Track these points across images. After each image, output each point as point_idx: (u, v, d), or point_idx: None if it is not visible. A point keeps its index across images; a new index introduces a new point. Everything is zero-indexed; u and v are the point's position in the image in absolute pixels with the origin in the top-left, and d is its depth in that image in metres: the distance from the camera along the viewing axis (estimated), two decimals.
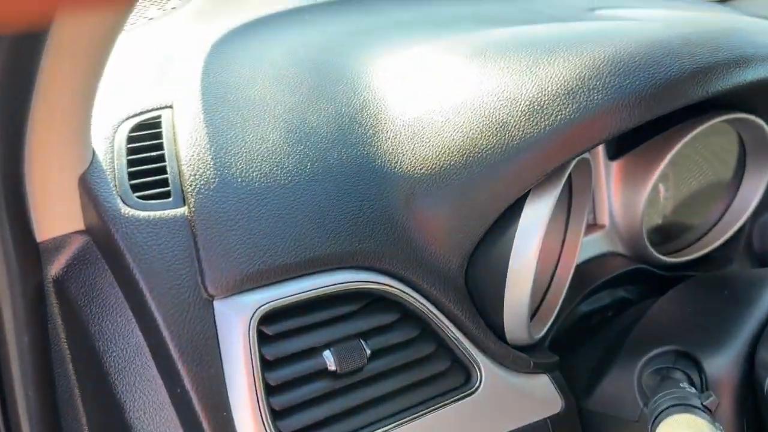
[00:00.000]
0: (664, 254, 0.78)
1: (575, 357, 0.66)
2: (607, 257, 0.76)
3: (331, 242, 0.53)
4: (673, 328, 0.63)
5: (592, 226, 0.77)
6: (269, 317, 0.50)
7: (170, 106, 0.59)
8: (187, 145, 0.55)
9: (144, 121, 0.58)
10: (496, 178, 0.55)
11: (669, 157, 0.69)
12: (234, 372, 0.48)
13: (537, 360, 0.61)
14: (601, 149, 0.74)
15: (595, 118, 0.53)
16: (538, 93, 0.55)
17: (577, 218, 0.67)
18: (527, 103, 0.55)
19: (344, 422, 0.52)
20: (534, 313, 0.65)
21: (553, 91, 0.55)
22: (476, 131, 0.56)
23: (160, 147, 0.56)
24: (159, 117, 0.58)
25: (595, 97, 0.53)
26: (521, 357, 0.59)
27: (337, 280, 0.53)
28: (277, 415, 0.49)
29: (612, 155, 0.76)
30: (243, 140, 0.56)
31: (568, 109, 0.53)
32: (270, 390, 0.49)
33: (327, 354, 0.52)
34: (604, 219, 0.77)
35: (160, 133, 0.57)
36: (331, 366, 0.51)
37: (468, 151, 0.56)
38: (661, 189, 0.80)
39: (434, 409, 0.56)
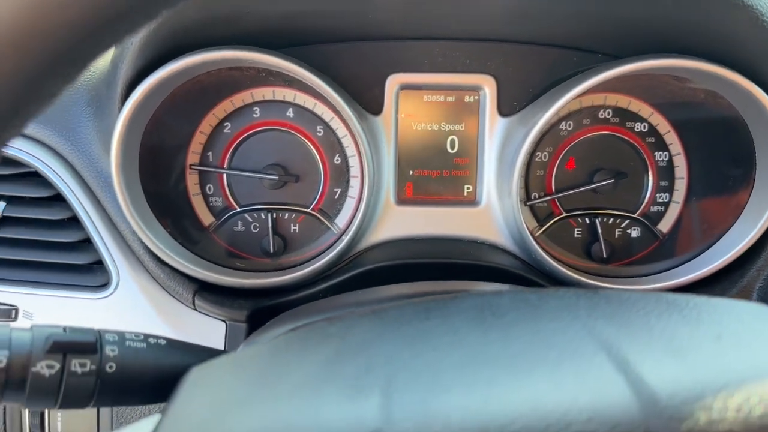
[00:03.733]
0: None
1: None
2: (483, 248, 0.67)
3: None
4: None
5: (469, 201, 0.69)
6: None
7: None
8: None
9: None
10: None
11: (551, 111, 0.60)
12: None
13: None
14: (491, 98, 0.67)
15: None
16: None
17: None
18: None
19: None
20: None
21: None
22: None
23: None
24: None
25: None
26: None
27: None
28: None
29: (506, 111, 0.68)
30: None
31: None
32: None
33: None
34: (483, 194, 0.69)
35: None
36: None
37: None
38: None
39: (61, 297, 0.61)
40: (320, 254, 0.68)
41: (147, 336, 0.44)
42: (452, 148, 0.70)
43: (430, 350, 0.28)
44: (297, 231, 0.70)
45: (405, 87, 0.68)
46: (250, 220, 0.70)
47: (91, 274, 0.63)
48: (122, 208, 0.60)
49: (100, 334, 0.42)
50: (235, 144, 0.69)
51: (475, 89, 0.68)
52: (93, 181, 0.63)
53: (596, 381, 0.25)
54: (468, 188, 0.70)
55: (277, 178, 0.68)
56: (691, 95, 0.67)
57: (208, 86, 0.66)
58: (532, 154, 0.69)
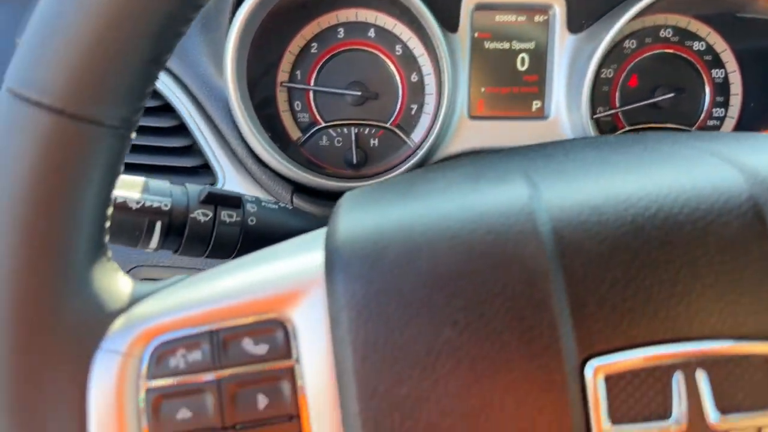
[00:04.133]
0: None
1: None
2: None
3: None
4: None
5: (537, 116, 0.74)
6: None
7: None
8: None
9: None
10: None
11: (616, 28, 0.65)
12: None
13: None
14: (560, 17, 0.71)
15: None
16: None
17: None
18: None
19: None
20: None
21: None
22: None
23: None
24: None
25: None
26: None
27: None
28: None
29: (574, 29, 0.72)
30: None
31: None
32: None
33: None
34: (551, 109, 0.74)
35: None
36: None
37: None
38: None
39: None
40: (398, 165, 0.74)
41: (277, 201, 0.51)
42: (522, 65, 0.75)
43: (568, 160, 0.34)
44: (376, 145, 0.76)
45: (479, 7, 0.73)
46: (334, 135, 0.76)
47: (198, 177, 0.70)
48: (236, 113, 0.66)
49: (241, 195, 0.48)
50: (320, 63, 0.74)
51: (545, 8, 0.73)
52: (199, 91, 0.69)
53: (709, 169, 0.31)
54: (537, 104, 0.75)
55: (359, 94, 0.73)
56: (748, 18, 0.72)
57: (298, 8, 0.72)
58: (597, 71, 0.74)
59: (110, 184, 0.32)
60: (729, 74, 0.75)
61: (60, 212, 0.29)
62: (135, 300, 0.32)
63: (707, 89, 0.75)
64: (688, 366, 0.27)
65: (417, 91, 0.75)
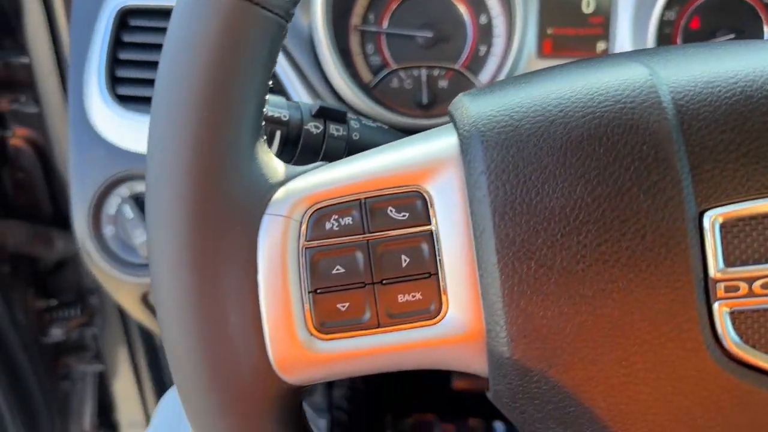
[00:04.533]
0: None
1: None
2: None
3: None
4: None
5: None
6: None
7: None
8: None
9: None
10: None
11: None
12: None
13: None
14: None
15: None
16: None
17: None
18: None
19: None
20: None
21: None
22: None
23: None
24: None
25: None
26: None
27: None
28: None
29: None
30: None
31: None
32: None
33: None
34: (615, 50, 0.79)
35: None
36: None
37: None
38: None
39: None
40: None
41: (375, 122, 0.55)
42: (587, 7, 0.78)
43: (673, 52, 0.37)
44: (445, 87, 0.80)
45: None
46: (404, 77, 0.80)
47: None
48: (323, 51, 0.70)
49: (346, 111, 0.52)
50: (393, 7, 0.78)
51: None
52: None
53: None
54: (601, 45, 0.78)
55: (431, 36, 0.77)
56: None
57: None
58: (662, 14, 0.77)
59: (269, 71, 0.36)
60: None
61: (234, 87, 0.34)
62: (290, 176, 0.37)
63: (766, 31, 0.77)
64: None
65: (485, 33, 0.78)
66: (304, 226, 0.35)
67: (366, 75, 0.80)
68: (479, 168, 0.34)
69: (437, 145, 0.36)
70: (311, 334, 0.35)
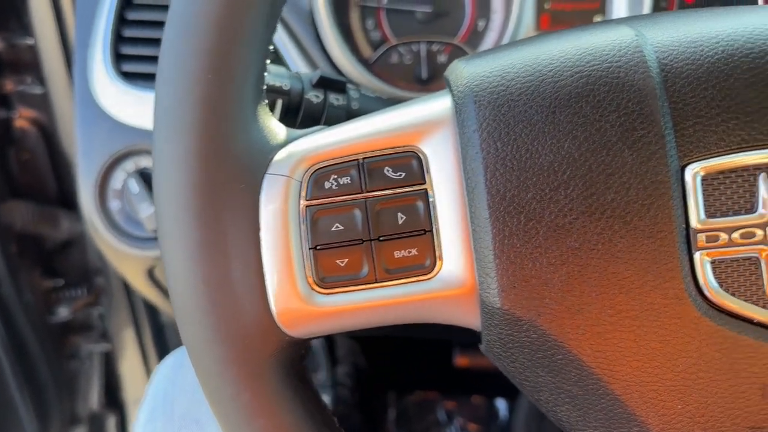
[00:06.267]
0: None
1: None
2: None
3: None
4: None
5: None
6: None
7: None
8: None
9: None
10: None
11: None
12: None
13: None
14: None
15: None
16: None
17: None
18: None
19: None
20: None
21: None
22: None
23: None
24: None
25: None
26: None
27: None
28: None
29: None
30: None
31: None
32: None
33: None
34: None
35: None
36: None
37: None
38: None
39: None
40: None
41: (374, 92, 0.56)
42: None
43: (661, 16, 0.38)
44: (445, 61, 0.81)
45: None
46: (404, 52, 0.81)
47: None
48: (322, 24, 0.71)
49: (345, 81, 0.54)
50: None
51: None
52: (285, 8, 0.74)
53: None
54: (598, 19, 0.79)
55: (431, 10, 0.78)
56: None
57: None
58: None
59: (270, 36, 0.37)
60: None
61: (237, 52, 0.35)
62: (291, 139, 0.38)
63: (760, 2, 0.78)
64: None
65: (484, 7, 0.79)
66: (304, 185, 0.37)
67: (366, 50, 0.81)
68: (472, 126, 0.35)
69: (433, 106, 0.38)
70: (312, 289, 0.36)
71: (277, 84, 0.50)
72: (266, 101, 0.39)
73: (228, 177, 0.35)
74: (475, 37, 0.80)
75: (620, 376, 0.34)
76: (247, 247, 0.36)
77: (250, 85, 0.36)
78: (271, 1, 0.36)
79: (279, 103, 0.50)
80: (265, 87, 0.38)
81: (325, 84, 0.52)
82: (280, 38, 0.75)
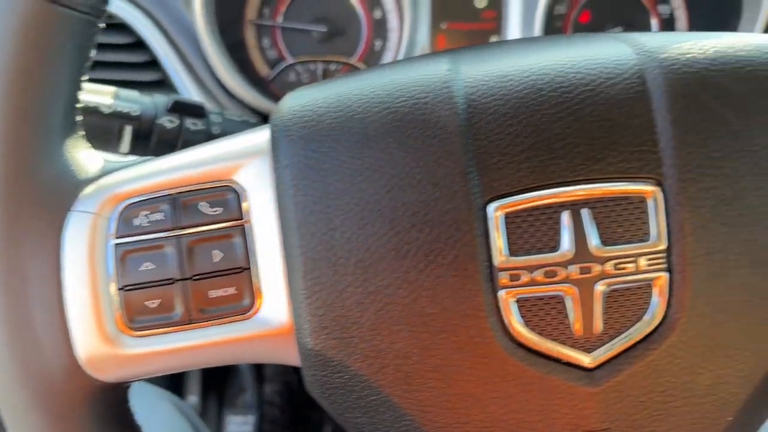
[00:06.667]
0: None
1: None
2: None
3: None
4: None
5: None
6: None
7: None
8: None
9: None
10: None
11: None
12: None
13: None
14: None
15: None
16: None
17: None
18: None
19: None
20: None
21: None
22: None
23: None
24: None
25: None
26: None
27: None
28: None
29: None
30: None
31: None
32: None
33: None
34: None
35: None
36: None
37: None
38: None
39: None
40: None
41: (241, 115, 0.55)
42: (480, 2, 0.79)
43: (489, 48, 0.38)
44: None
45: None
46: (301, 71, 0.80)
47: None
48: (207, 48, 0.70)
49: (204, 107, 0.52)
50: (287, 1, 0.78)
51: None
52: (170, 26, 0.73)
53: (604, 45, 0.35)
54: (494, 39, 0.79)
55: (326, 30, 0.77)
56: None
57: None
58: (551, 7, 0.78)
59: (81, 68, 0.36)
60: (675, 10, 0.79)
61: (35, 86, 0.34)
62: (104, 172, 0.37)
63: (654, 24, 0.79)
64: (575, 205, 0.32)
65: (380, 27, 0.79)
66: (114, 223, 0.35)
67: (263, 69, 0.79)
68: (284, 162, 0.34)
69: (252, 139, 0.37)
70: (121, 332, 0.35)
71: (125, 110, 0.48)
72: (81, 132, 0.37)
73: (28, 214, 0.34)
74: (372, 56, 0.80)
75: (432, 416, 0.33)
76: (49, 289, 0.34)
77: (55, 120, 0.35)
78: (76, 34, 0.35)
79: (128, 129, 0.48)
80: (78, 117, 0.37)
81: (180, 109, 0.50)
82: (168, 59, 0.73)
